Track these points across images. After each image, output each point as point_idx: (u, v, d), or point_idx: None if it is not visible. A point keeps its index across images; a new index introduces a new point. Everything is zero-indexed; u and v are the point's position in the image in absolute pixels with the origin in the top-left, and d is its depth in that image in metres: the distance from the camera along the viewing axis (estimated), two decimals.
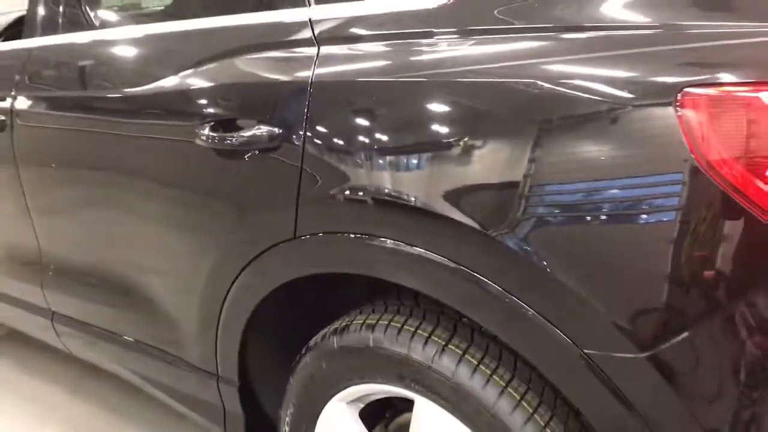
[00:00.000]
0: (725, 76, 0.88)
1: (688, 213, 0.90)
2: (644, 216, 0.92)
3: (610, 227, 0.94)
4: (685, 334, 0.92)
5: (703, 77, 0.88)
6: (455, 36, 1.12)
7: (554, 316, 1.00)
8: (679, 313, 0.93)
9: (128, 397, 2.45)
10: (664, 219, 0.91)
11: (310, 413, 1.43)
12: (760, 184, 0.86)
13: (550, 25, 1.03)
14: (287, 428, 1.49)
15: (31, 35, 1.91)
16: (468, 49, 1.10)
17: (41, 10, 1.88)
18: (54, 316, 2.09)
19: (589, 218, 0.95)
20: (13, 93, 1.91)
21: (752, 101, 0.85)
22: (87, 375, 2.63)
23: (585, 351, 0.98)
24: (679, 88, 0.89)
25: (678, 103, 0.88)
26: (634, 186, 0.92)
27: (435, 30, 1.14)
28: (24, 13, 2.16)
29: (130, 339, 1.84)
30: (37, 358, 2.81)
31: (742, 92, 0.86)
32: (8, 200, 2.01)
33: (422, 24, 1.16)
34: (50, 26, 1.86)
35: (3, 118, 1.92)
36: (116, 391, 2.49)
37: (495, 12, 1.10)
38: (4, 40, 2.29)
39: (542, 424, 1.08)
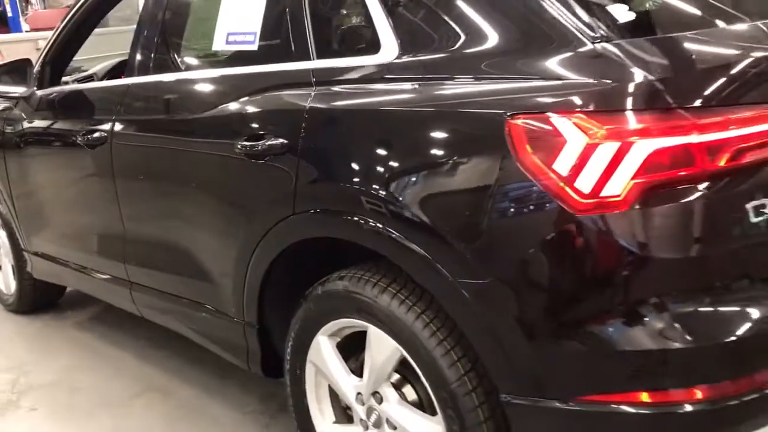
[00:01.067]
0: (533, 109, 1.44)
1: (514, 198, 1.45)
2: (486, 196, 1.47)
3: (466, 206, 1.51)
4: (506, 275, 1.47)
5: (520, 107, 1.45)
6: (400, 81, 1.72)
7: (438, 259, 1.56)
8: (501, 260, 1.48)
9: (182, 362, 3.08)
10: (499, 200, 1.46)
11: (303, 345, 2.00)
12: (561, 184, 1.39)
13: (448, 76, 1.62)
14: (288, 358, 2.06)
15: (130, 75, 2.61)
16: (406, 88, 1.70)
17: (138, 56, 2.57)
18: (132, 286, 2.75)
19: (454, 198, 1.53)
20: (113, 118, 2.61)
21: (545, 125, 1.41)
22: (150, 345, 3.28)
23: (459, 280, 1.53)
24: (505, 113, 1.45)
25: (505, 123, 1.45)
26: (480, 179, 1.49)
27: (387, 77, 1.74)
28: (123, 58, 2.90)
29: (186, 299, 2.47)
30: (113, 333, 3.49)
31: (542, 120, 1.42)
32: (104, 197, 2.70)
33: (378, 73, 1.76)
34: (143, 68, 2.55)
35: (105, 135, 2.61)
36: (173, 357, 3.13)
37: (422, 66, 1.69)
38: (109, 79, 3.02)
39: (434, 329, 1.63)
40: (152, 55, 2.51)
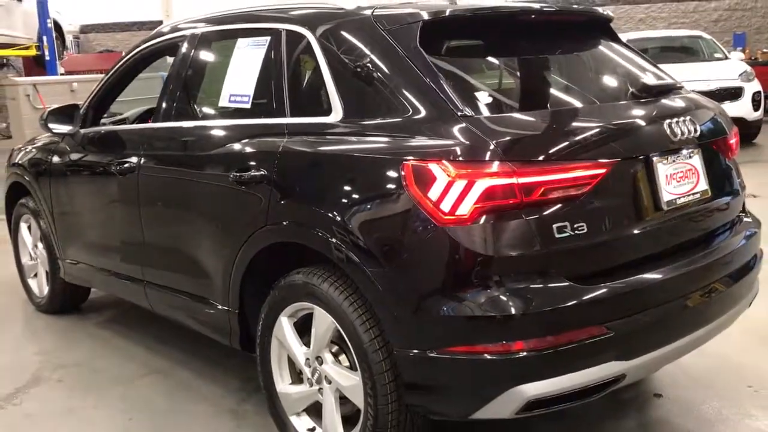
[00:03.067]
0: (417, 157, 2.20)
1: (404, 215, 2.19)
2: (387, 214, 2.22)
3: (375, 221, 2.25)
4: (396, 264, 2.20)
5: (410, 156, 2.21)
6: (342, 135, 2.49)
7: (357, 256, 2.29)
8: (394, 255, 2.21)
9: (181, 352, 3.80)
10: (395, 217, 2.20)
11: (269, 324, 2.72)
12: (432, 206, 2.12)
13: (372, 133, 2.39)
14: (259, 335, 2.78)
15: (156, 120, 3.40)
16: (345, 140, 2.46)
17: (163, 105, 3.37)
18: (146, 284, 3.49)
19: (367, 216, 2.28)
20: (141, 152, 3.39)
21: (423, 168, 2.16)
22: (156, 341, 4.01)
23: (369, 269, 2.27)
24: (404, 159, 2.21)
25: (402, 165, 2.20)
26: (384, 202, 2.23)
27: (334, 132, 2.51)
28: (150, 106, 3.71)
29: (188, 293, 3.21)
30: (126, 330, 4.23)
31: (422, 165, 2.17)
32: (129, 213, 3.47)
33: (328, 129, 2.53)
34: (167, 115, 3.34)
35: (134, 165, 3.39)
36: (175, 349, 3.85)
37: (356, 126, 2.46)
38: (139, 122, 3.83)
39: (354, 305, 2.35)
40: (174, 105, 3.31)
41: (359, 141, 2.42)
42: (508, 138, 2.17)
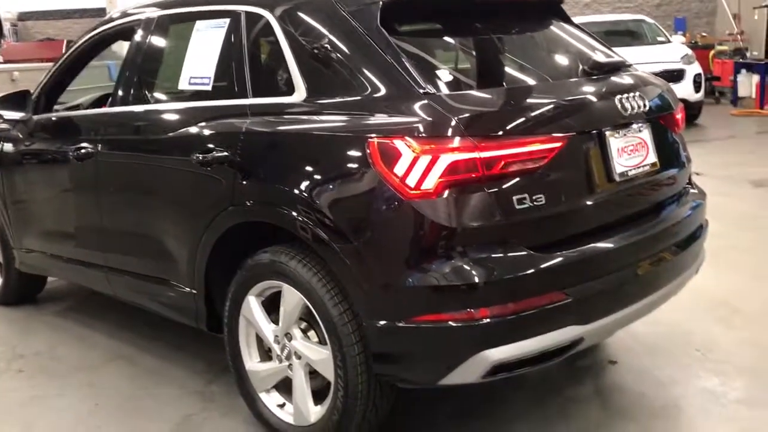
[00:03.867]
0: (383, 134, 2.26)
1: (371, 191, 2.25)
2: (355, 190, 2.28)
3: (343, 196, 2.30)
4: (364, 239, 2.26)
5: (374, 133, 2.26)
6: (305, 115, 2.53)
7: (326, 233, 2.34)
8: (362, 229, 2.27)
9: (144, 338, 3.80)
10: (362, 192, 2.26)
11: (237, 303, 2.75)
12: (398, 181, 2.19)
13: (336, 112, 2.43)
14: (226, 315, 2.81)
15: (113, 105, 3.38)
16: (308, 120, 2.50)
17: (120, 90, 3.35)
18: (109, 270, 3.48)
19: (335, 192, 2.33)
20: (99, 138, 3.37)
21: (389, 144, 2.22)
22: (118, 327, 3.99)
23: (337, 245, 2.32)
24: (368, 135, 2.27)
25: (367, 143, 2.26)
26: (351, 179, 2.29)
27: (297, 111, 2.55)
28: (104, 92, 3.68)
29: (153, 277, 3.21)
30: (86, 319, 4.20)
31: (387, 141, 2.23)
32: (87, 199, 3.44)
33: (291, 108, 2.57)
34: (125, 100, 3.32)
35: (92, 150, 3.36)
36: (137, 334, 3.85)
37: (319, 105, 2.50)
38: (96, 107, 3.79)
39: (323, 281, 2.41)
40: (132, 90, 3.29)
41: (322, 120, 2.46)
42: (468, 114, 2.25)
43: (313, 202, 2.37)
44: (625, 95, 2.58)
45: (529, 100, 2.45)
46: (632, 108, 2.59)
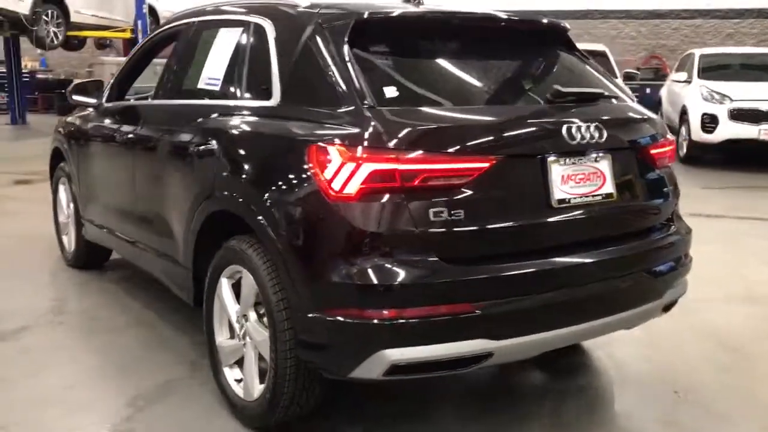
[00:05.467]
0: (320, 140, 2.47)
1: (306, 190, 2.47)
2: (295, 189, 2.50)
3: (285, 194, 2.54)
4: (295, 235, 2.48)
5: (317, 138, 2.48)
6: (271, 118, 2.78)
7: (270, 225, 2.58)
8: (294, 226, 2.48)
9: (169, 310, 4.20)
10: (300, 192, 2.48)
11: (213, 283, 3.05)
12: (326, 184, 2.39)
13: (296, 117, 2.67)
14: (206, 291, 3.11)
15: (155, 98, 3.81)
16: (277, 123, 2.76)
17: (158, 87, 3.77)
18: (135, 244, 3.91)
19: (280, 189, 2.56)
20: (138, 125, 3.81)
21: (323, 150, 2.43)
22: (156, 299, 4.42)
23: (277, 239, 2.55)
24: (311, 142, 2.49)
25: (308, 147, 2.48)
26: (294, 179, 2.51)
27: (270, 115, 2.81)
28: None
29: (163, 252, 3.59)
30: (133, 288, 4.68)
31: (322, 147, 2.44)
32: (127, 180, 3.88)
33: (267, 111, 2.83)
34: (162, 94, 3.74)
35: (133, 136, 3.80)
36: (165, 307, 4.26)
37: (287, 111, 2.75)
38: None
39: (269, 271, 2.62)
40: (167, 86, 3.70)
41: (281, 124, 2.71)
42: (397, 128, 2.41)
43: (260, 197, 2.62)
44: (579, 124, 2.63)
45: (467, 121, 2.57)
46: (585, 137, 2.63)
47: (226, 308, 2.99)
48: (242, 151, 2.84)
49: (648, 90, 15.45)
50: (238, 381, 3.00)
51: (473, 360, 2.45)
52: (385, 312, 2.35)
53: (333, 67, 2.63)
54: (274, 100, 2.83)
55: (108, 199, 4.31)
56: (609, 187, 2.72)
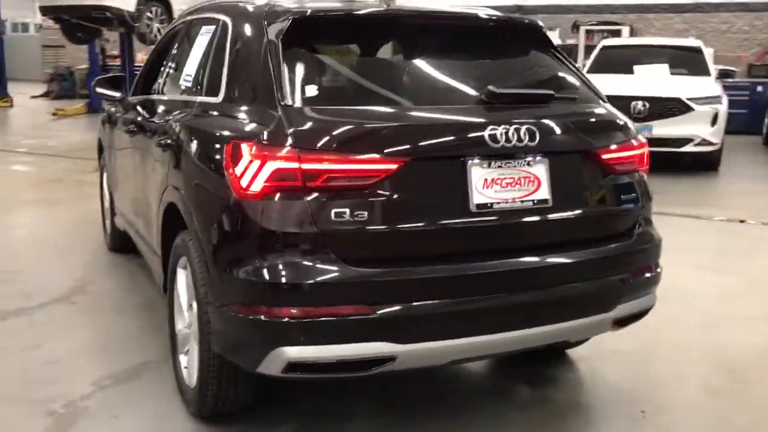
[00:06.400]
0: (236, 136, 2.50)
1: (221, 186, 2.51)
2: (214, 185, 2.56)
3: (208, 189, 2.60)
4: (209, 229, 2.53)
5: (235, 136, 2.52)
6: (210, 114, 2.85)
7: (195, 219, 2.64)
8: (209, 220, 2.54)
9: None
10: (218, 188, 2.53)
11: (173, 273, 3.17)
12: (235, 181, 2.43)
13: (223, 114, 2.72)
14: (168, 280, 3.23)
15: (157, 93, 3.98)
16: (215, 118, 2.83)
17: (158, 82, 3.93)
18: (138, 233, 4.11)
19: (204, 184, 2.62)
20: (140, 119, 3.99)
21: (237, 147, 2.47)
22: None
23: (198, 232, 2.62)
24: (230, 139, 2.53)
25: (226, 144, 2.52)
26: (215, 175, 2.57)
27: (214, 111, 2.88)
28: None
29: (147, 239, 3.76)
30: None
31: (236, 144, 2.48)
32: (133, 169, 4.09)
33: (212, 107, 2.90)
34: (158, 89, 3.90)
35: (135, 128, 4.00)
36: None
37: (222, 107, 2.80)
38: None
39: (201, 264, 2.68)
40: (160, 81, 3.87)
41: (216, 120, 2.77)
42: (303, 127, 2.42)
43: (191, 192, 2.71)
44: (505, 127, 2.52)
45: (377, 122, 2.52)
46: (512, 140, 2.52)
47: (178, 297, 3.10)
48: (184, 146, 2.94)
49: (759, 88, 14.36)
50: (186, 368, 3.10)
51: (375, 363, 2.42)
52: (280, 310, 2.36)
53: (262, 65, 2.66)
54: (220, 96, 2.89)
55: (121, 188, 4.56)
56: (544, 193, 2.60)
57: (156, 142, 3.33)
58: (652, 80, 9.55)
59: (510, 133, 2.52)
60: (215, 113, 2.87)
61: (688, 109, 9.05)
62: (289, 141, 2.38)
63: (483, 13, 3.01)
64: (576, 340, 2.90)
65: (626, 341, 3.61)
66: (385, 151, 2.41)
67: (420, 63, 2.87)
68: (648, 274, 2.86)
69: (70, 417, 3.00)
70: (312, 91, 2.59)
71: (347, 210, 2.36)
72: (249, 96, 2.68)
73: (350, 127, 2.46)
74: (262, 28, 2.79)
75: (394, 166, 2.39)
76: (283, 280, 2.36)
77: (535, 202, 2.58)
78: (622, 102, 9.21)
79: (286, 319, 2.36)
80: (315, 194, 2.36)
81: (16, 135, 13.72)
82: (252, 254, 2.42)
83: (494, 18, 3.01)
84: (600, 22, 17.27)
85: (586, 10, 18.06)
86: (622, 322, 2.83)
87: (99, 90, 4.63)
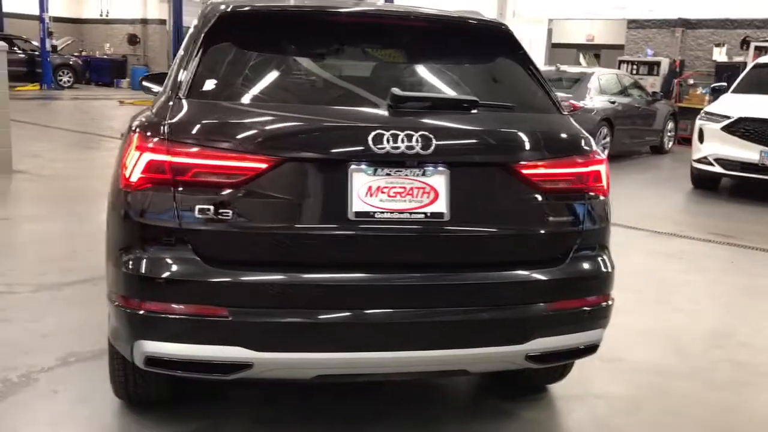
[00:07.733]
0: (134, 127, 2.52)
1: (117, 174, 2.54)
2: (117, 171, 2.60)
3: (113, 180, 2.64)
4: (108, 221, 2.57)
5: (138, 127, 2.54)
6: (151, 107, 2.89)
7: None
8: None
9: None
10: (118, 173, 2.56)
11: None
12: (124, 171, 2.46)
13: (153, 105, 2.75)
14: None
15: None
16: (148, 110, 2.87)
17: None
18: None
19: (114, 178, 2.67)
20: None
21: (131, 137, 2.48)
22: None
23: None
24: (131, 128, 2.55)
25: (129, 133, 2.55)
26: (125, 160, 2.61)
27: (161, 104, 2.92)
28: None
29: None
30: None
31: (131, 134, 2.50)
32: None
33: (156, 100, 2.95)
34: None
35: None
36: None
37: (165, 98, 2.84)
38: None
39: None
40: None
41: (144, 111, 2.81)
42: (176, 120, 2.39)
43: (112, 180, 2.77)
44: (394, 132, 2.34)
45: (257, 120, 2.42)
46: (400, 147, 2.33)
47: None
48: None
49: None
50: None
51: (231, 368, 2.34)
52: (139, 303, 2.35)
53: (178, 59, 2.68)
54: (164, 89, 2.94)
55: None
56: (440, 206, 2.38)
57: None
58: None
59: (400, 140, 2.34)
60: (153, 105, 2.91)
61: None
62: (162, 133, 2.37)
63: (431, 12, 2.82)
64: (478, 371, 2.63)
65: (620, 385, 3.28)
66: (256, 149, 2.32)
67: (345, 65, 2.75)
68: (585, 307, 2.54)
69: (17, 387, 3.19)
70: (210, 86, 2.56)
71: (211, 207, 2.31)
72: (168, 89, 2.71)
73: (220, 122, 2.41)
74: (201, 24, 2.80)
75: (263, 165, 2.30)
76: (142, 272, 2.35)
77: (428, 215, 2.38)
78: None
79: (143, 312, 2.34)
80: (182, 189, 2.33)
81: None
82: (124, 245, 2.43)
83: (441, 18, 2.82)
84: None
85: (760, 25, 16.44)
86: (542, 359, 2.53)
87: (145, 84, 4.89)
